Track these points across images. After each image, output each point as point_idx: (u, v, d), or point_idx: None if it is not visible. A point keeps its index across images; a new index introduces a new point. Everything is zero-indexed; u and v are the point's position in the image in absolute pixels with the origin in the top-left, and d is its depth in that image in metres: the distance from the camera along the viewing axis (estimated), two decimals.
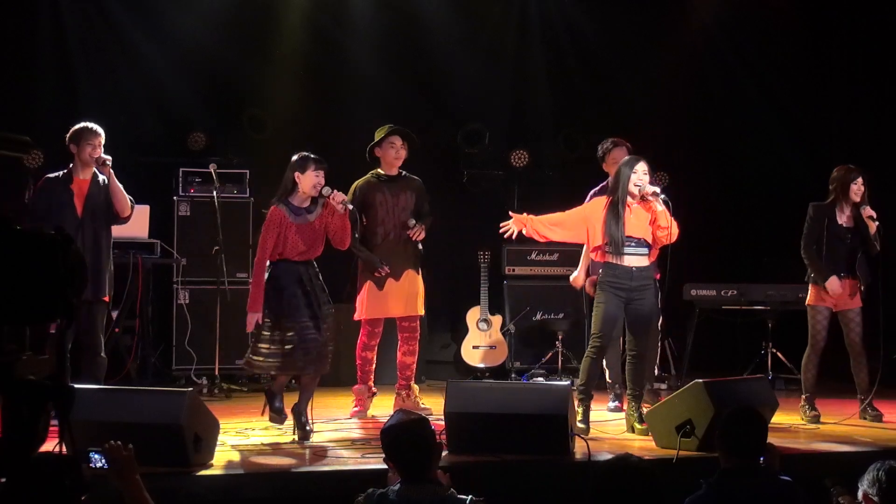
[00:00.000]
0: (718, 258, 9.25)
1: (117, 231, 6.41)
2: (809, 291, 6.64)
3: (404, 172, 6.80)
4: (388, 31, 8.99)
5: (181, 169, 8.24)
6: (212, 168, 7.61)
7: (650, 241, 5.94)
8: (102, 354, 6.13)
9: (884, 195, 6.69)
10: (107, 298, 6.19)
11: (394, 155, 6.69)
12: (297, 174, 5.78)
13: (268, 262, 5.78)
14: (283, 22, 8.81)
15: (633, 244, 5.88)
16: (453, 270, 9.10)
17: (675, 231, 5.90)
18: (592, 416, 6.04)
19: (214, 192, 7.60)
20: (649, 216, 5.92)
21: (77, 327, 5.86)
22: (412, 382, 6.84)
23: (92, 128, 6.12)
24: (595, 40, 9.26)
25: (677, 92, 9.24)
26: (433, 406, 6.45)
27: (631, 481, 3.23)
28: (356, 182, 6.75)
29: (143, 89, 8.51)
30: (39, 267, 2.79)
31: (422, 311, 6.81)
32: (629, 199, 5.88)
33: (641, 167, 5.91)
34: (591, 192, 6.73)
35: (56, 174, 6.20)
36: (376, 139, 6.74)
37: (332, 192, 5.78)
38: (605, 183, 6.50)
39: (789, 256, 6.99)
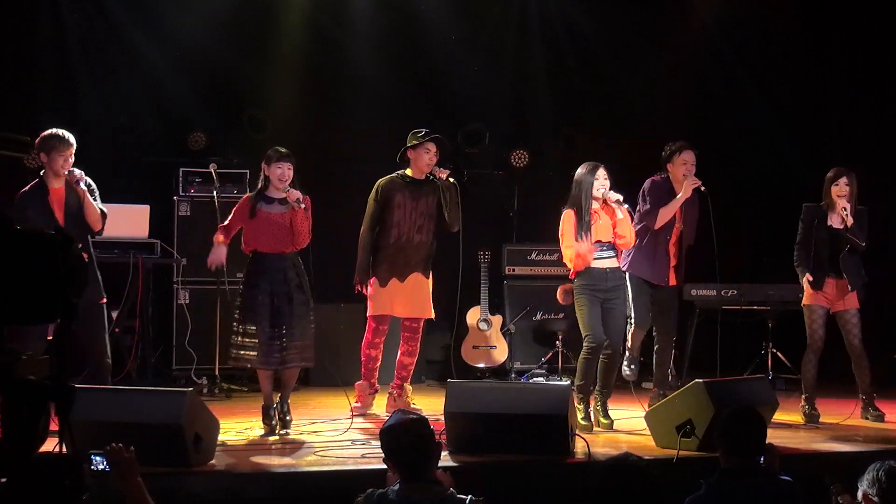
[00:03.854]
0: (718, 258, 9.23)
1: (117, 231, 6.38)
2: (805, 291, 6.68)
3: (432, 177, 6.74)
4: (388, 31, 8.99)
5: (181, 169, 8.23)
6: (212, 168, 7.61)
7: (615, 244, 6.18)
8: (108, 360, 6.06)
9: (884, 195, 6.69)
10: (103, 300, 6.16)
11: (427, 160, 6.66)
12: (265, 169, 6.04)
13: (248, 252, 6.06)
14: (283, 22, 8.80)
15: (605, 248, 6.13)
16: (453, 270, 9.09)
17: (632, 240, 6.23)
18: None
19: (214, 192, 7.60)
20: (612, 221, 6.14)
21: (78, 332, 5.84)
22: (406, 383, 6.85)
23: (63, 137, 5.87)
24: (595, 40, 9.25)
25: (677, 92, 9.24)
26: (431, 406, 6.44)
27: (631, 481, 3.22)
28: (380, 180, 6.73)
29: (143, 89, 8.50)
30: (39, 267, 2.80)
31: (431, 315, 6.80)
32: (594, 204, 6.11)
33: (602, 173, 6.14)
34: (649, 180, 6.86)
35: (28, 188, 5.96)
36: (411, 143, 6.70)
37: (289, 190, 5.95)
38: (664, 175, 6.80)
39: (789, 256, 6.99)
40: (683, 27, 9.40)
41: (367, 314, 6.74)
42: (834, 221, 6.61)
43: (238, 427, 6.01)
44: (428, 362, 8.61)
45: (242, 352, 5.94)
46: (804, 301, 6.68)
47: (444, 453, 4.79)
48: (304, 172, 7.17)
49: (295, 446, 5.57)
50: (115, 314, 7.38)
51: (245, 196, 6.19)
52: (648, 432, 5.61)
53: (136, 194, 7.84)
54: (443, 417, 5.28)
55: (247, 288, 5.97)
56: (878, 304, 6.70)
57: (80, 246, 5.79)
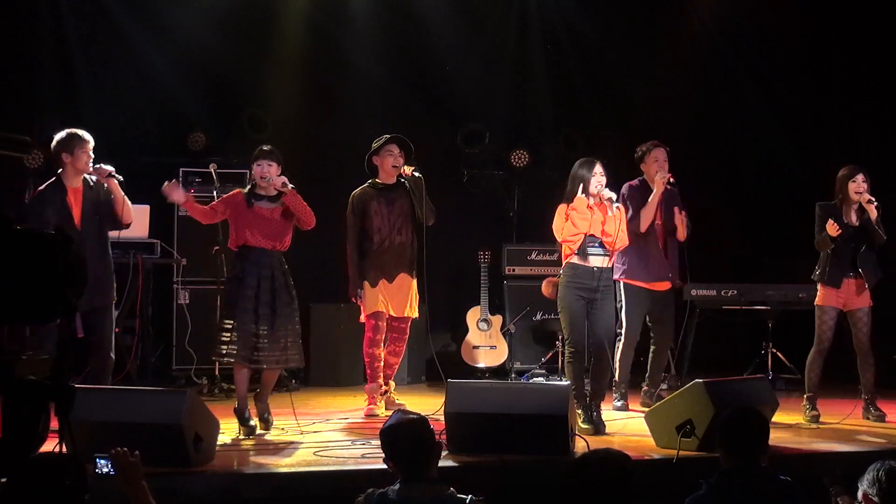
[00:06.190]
0: (718, 258, 9.24)
1: (117, 231, 6.38)
2: (818, 291, 6.62)
3: (403, 180, 6.80)
4: (388, 31, 8.99)
5: (181, 169, 8.23)
6: (212, 168, 7.60)
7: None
8: (112, 355, 6.08)
9: (884, 195, 6.67)
10: (114, 300, 6.19)
11: (392, 162, 6.76)
12: (251, 168, 6.08)
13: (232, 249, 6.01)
14: (283, 22, 8.81)
15: (596, 244, 6.04)
16: (453, 270, 9.10)
17: (623, 241, 6.15)
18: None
19: (214, 192, 7.57)
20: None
21: (87, 331, 5.84)
22: (391, 379, 6.90)
23: (83, 135, 5.98)
24: (595, 40, 9.25)
25: (677, 92, 9.23)
26: (435, 406, 6.43)
27: (600, 471, 3.13)
28: (353, 193, 6.84)
29: (143, 89, 8.50)
30: (39, 267, 2.80)
31: (415, 314, 6.85)
32: (589, 200, 6.04)
33: (599, 169, 6.06)
34: (626, 185, 7.00)
35: (45, 187, 5.99)
36: (374, 148, 6.80)
37: (272, 180, 5.95)
38: (641, 178, 6.92)
39: (789, 256, 6.99)
40: (683, 27, 9.41)
41: (363, 314, 6.77)
42: (850, 218, 6.56)
43: (238, 427, 6.00)
44: (428, 362, 8.61)
45: (224, 348, 5.78)
46: (817, 301, 6.58)
47: (444, 453, 4.78)
48: (304, 172, 7.18)
49: (295, 446, 5.56)
50: (115, 314, 7.38)
51: (237, 190, 6.17)
52: (648, 432, 5.61)
53: (136, 194, 7.81)
54: (442, 417, 5.28)
55: (232, 282, 5.89)
56: (880, 303, 6.67)
57: (98, 244, 5.88)
